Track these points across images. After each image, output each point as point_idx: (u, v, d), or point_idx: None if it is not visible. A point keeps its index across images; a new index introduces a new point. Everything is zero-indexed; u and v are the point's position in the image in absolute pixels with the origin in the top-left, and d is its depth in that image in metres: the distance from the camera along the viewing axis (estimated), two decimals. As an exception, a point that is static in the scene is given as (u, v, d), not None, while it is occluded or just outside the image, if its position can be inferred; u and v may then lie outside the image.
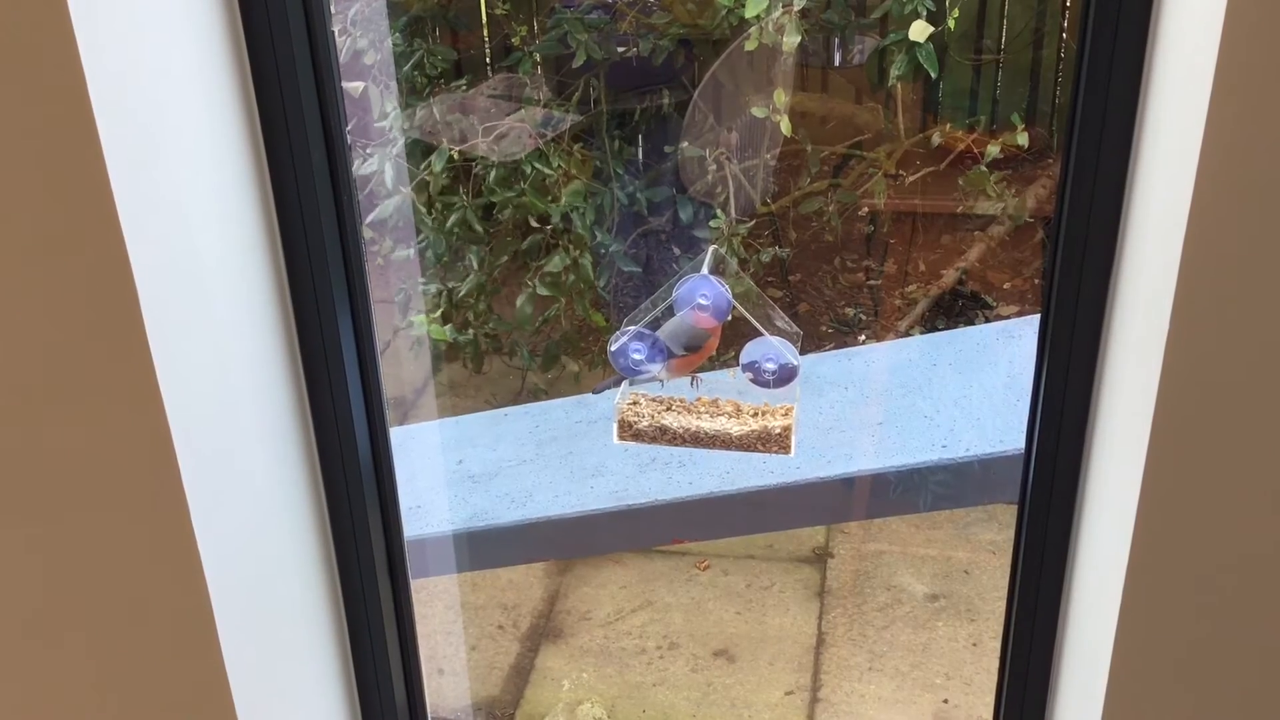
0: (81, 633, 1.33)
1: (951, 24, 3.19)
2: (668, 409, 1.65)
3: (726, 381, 1.64)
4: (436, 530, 2.87)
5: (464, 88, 3.34)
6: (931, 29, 2.94)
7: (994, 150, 3.17)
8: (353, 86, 3.01)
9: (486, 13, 3.68)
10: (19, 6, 1.01)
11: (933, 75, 3.00)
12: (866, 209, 3.80)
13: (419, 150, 3.24)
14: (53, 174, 1.08)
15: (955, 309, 3.79)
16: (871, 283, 3.96)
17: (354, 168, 1.42)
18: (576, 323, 3.42)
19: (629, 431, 1.63)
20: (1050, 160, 3.76)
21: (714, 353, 1.64)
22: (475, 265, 3.27)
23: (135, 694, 1.37)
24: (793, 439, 1.61)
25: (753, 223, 3.34)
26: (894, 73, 3.00)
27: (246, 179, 1.28)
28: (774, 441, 1.61)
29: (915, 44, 2.94)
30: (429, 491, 2.93)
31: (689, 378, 1.64)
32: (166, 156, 1.16)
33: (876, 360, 3.30)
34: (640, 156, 3.48)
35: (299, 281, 1.36)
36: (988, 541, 3.17)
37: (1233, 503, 1.17)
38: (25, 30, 1.02)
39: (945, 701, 2.71)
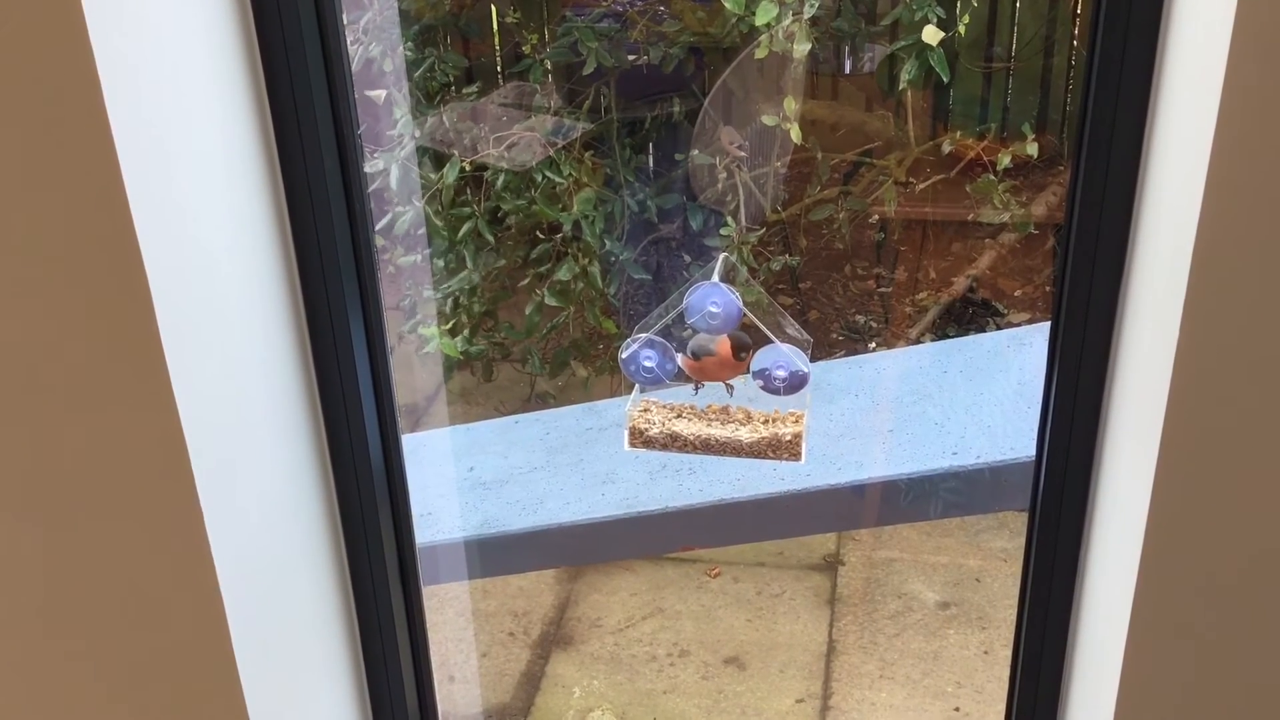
0: (96, 637, 1.34)
1: (962, 29, 3.19)
2: (679, 416, 1.65)
3: (738, 388, 1.64)
4: (447, 537, 2.87)
5: (475, 95, 3.35)
6: (942, 34, 2.95)
7: (1005, 159, 3.17)
8: (375, 94, 3.02)
9: (497, 21, 3.69)
10: (36, 22, 1.02)
11: (944, 79, 3.00)
12: (877, 216, 3.80)
13: (429, 157, 3.25)
14: (69, 183, 1.08)
15: (966, 316, 3.79)
16: (882, 290, 3.96)
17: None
18: (587, 330, 3.42)
19: (640, 439, 1.63)
20: (1061, 167, 3.76)
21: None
22: (481, 271, 3.28)
23: (148, 698, 1.37)
24: (803, 446, 1.61)
25: (763, 230, 3.34)
26: (905, 77, 3.00)
27: (260, 187, 1.29)
28: (785, 449, 1.61)
29: (927, 48, 2.94)
30: (440, 498, 2.93)
31: (694, 384, 1.65)
32: (181, 164, 1.17)
33: (887, 368, 3.29)
34: (651, 164, 3.48)
35: (311, 289, 1.37)
36: (999, 549, 3.17)
37: (1244, 510, 1.17)
38: (42, 45, 1.03)
39: (956, 709, 2.70)
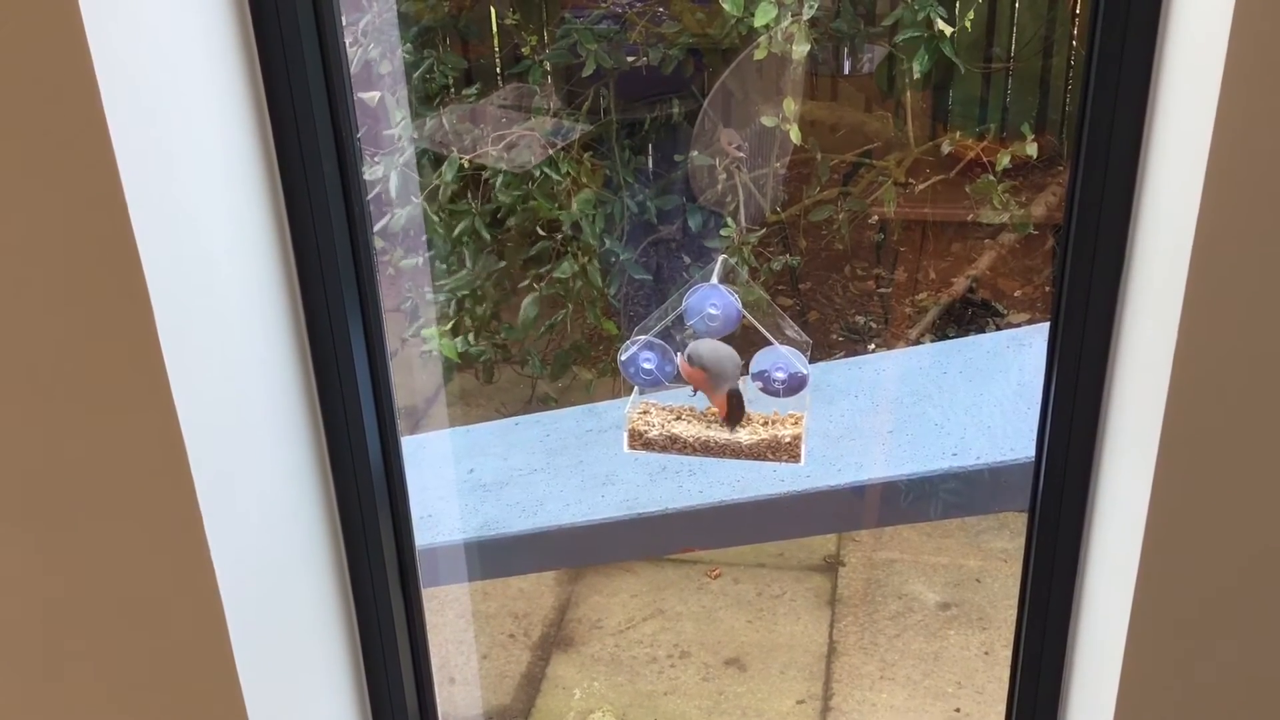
0: (96, 639, 1.34)
1: (968, 24, 3.19)
2: (678, 418, 1.65)
3: (737, 390, 1.64)
4: (447, 539, 2.87)
5: (474, 97, 3.35)
6: (951, 29, 2.95)
7: (1004, 160, 3.17)
8: (369, 96, 3.02)
9: (497, 22, 3.69)
10: (34, 23, 1.02)
11: (961, 69, 3.01)
12: (876, 217, 3.80)
13: (428, 159, 3.25)
14: (67, 186, 1.08)
15: (966, 317, 3.79)
16: (882, 291, 3.96)
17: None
18: (587, 331, 3.42)
19: (639, 440, 1.64)
20: (1060, 167, 3.76)
21: None
22: (480, 270, 3.28)
23: (148, 700, 1.37)
24: (803, 447, 1.61)
25: (763, 231, 3.34)
26: (918, 67, 3.00)
27: (259, 190, 1.28)
28: (784, 450, 1.61)
29: (939, 35, 2.94)
30: (440, 500, 2.93)
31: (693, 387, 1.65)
32: (179, 168, 1.17)
33: (887, 368, 3.29)
34: (650, 165, 3.48)
35: (311, 292, 1.37)
36: (999, 549, 3.17)
37: (1243, 511, 1.17)
38: (40, 47, 1.03)
39: (957, 710, 2.70)
